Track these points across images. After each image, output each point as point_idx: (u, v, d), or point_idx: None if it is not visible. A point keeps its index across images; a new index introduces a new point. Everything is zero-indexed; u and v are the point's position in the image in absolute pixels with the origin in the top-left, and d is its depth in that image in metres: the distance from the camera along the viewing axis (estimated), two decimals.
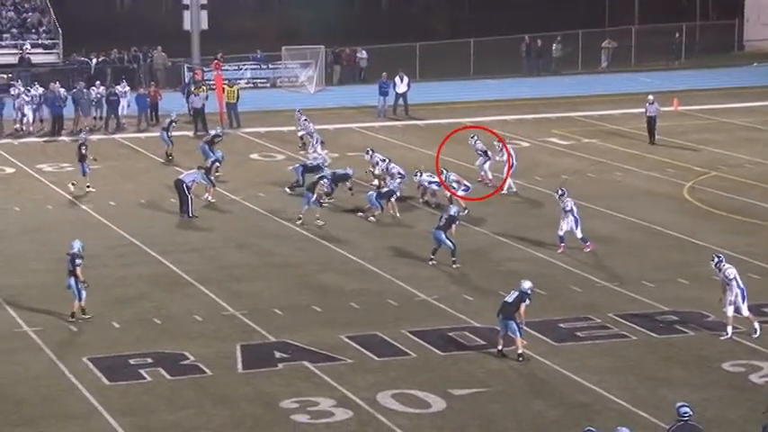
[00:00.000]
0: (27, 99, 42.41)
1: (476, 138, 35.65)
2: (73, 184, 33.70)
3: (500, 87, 52.83)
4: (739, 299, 22.63)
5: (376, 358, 21.82)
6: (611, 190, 34.50)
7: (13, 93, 42.88)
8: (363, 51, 56.13)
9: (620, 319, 23.80)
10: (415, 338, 22.71)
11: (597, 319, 23.85)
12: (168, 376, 20.96)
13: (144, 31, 57.81)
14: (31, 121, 42.40)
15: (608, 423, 18.48)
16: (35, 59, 51.59)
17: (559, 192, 28.69)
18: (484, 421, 19.34)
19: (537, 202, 33.07)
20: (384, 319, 23.76)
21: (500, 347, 21.86)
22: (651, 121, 41.20)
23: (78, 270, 23.23)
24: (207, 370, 21.22)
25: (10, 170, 36.83)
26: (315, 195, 30.39)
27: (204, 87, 44.80)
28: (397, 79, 46.68)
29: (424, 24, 65.49)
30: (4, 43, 52.31)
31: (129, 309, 24.37)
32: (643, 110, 41.89)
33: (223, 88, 44.96)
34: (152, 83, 47.25)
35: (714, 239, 29.08)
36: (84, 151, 33.63)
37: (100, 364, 21.36)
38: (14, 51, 51.82)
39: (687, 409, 16.69)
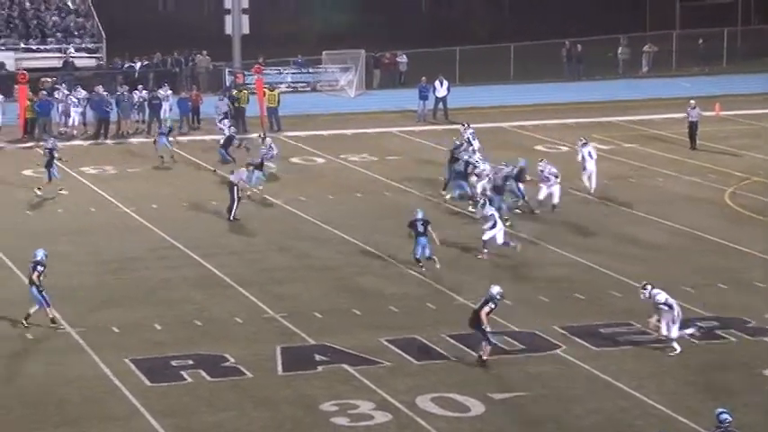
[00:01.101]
0: (74, 102, 42.70)
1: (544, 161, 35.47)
2: (39, 189, 33.43)
3: (540, 92, 52.64)
4: (671, 319, 22.13)
5: (415, 362, 21.83)
6: (651, 195, 34.34)
7: (57, 96, 43.18)
8: (403, 55, 56.12)
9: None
10: (454, 342, 22.70)
11: (637, 325, 23.74)
12: (209, 378, 21.05)
13: (186, 36, 58.02)
14: (75, 123, 42.70)
15: (648, 428, 18.41)
16: (79, 63, 51.96)
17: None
18: (523, 425, 19.31)
19: (577, 206, 32.92)
20: (423, 323, 23.77)
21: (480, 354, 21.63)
22: (693, 126, 40.96)
23: (35, 275, 23.00)
24: (247, 372, 21.30)
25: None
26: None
27: (246, 92, 44.93)
28: (437, 83, 46.67)
29: (464, 29, 65.36)
30: (48, 47, 52.70)
31: (171, 311, 24.50)
32: (684, 114, 41.68)
33: (264, 92, 45.14)
34: (194, 87, 47.47)
35: (755, 245, 28.90)
36: (54, 155, 33.43)
37: (142, 366, 21.48)
38: (59, 55, 52.18)
39: (727, 416, 16.60)
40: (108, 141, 41.61)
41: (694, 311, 24.43)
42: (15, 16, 53.21)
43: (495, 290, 21.74)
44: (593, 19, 65.66)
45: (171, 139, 38.24)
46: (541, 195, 32.16)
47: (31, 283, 23.14)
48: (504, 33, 61.28)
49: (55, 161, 33.51)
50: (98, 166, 37.61)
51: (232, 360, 21.81)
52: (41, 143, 38.61)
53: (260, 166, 33.65)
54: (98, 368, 21.44)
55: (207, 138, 42.11)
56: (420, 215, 27.42)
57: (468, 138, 35.57)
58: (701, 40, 59.66)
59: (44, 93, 43.35)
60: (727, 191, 34.97)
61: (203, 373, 21.20)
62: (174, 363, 21.65)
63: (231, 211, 31.22)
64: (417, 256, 27.07)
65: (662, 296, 22.31)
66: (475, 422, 19.40)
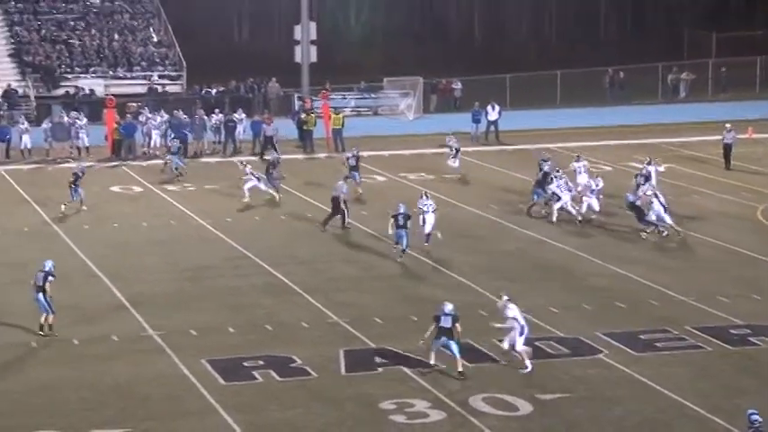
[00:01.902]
0: (154, 124, 43.12)
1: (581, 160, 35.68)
2: (65, 205, 33.49)
3: (584, 116, 52.36)
4: (516, 333, 21.53)
5: (468, 364, 21.72)
6: (687, 211, 33.98)
7: (141, 119, 43.58)
8: (458, 82, 56.08)
9: (697, 332, 23.43)
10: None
11: (674, 331, 23.51)
12: (278, 378, 21.08)
13: (259, 64, 58.37)
14: (157, 144, 43.06)
15: (685, 429, 18.19)
16: (161, 90, 52.43)
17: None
18: (568, 425, 19.16)
19: (616, 220, 32.64)
20: (476, 329, 23.64)
21: (434, 363, 21.20)
22: (727, 148, 40.52)
23: (48, 285, 22.99)
24: (313, 372, 21.31)
25: (138, 189, 37.39)
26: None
27: (313, 116, 45.10)
28: (489, 108, 46.57)
29: (514, 57, 65.22)
30: (134, 75, 53.26)
31: (243, 315, 24.57)
32: (720, 137, 41.24)
33: (330, 116, 45.27)
34: (266, 110, 47.67)
35: None
36: (76, 179, 33.49)
37: (217, 366, 21.55)
38: (144, 82, 52.74)
39: (757, 417, 16.39)
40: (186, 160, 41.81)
41: (729, 320, 24.17)
42: (105, 47, 53.82)
43: (450, 307, 21.19)
44: (633, 48, 65.32)
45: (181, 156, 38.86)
46: (583, 208, 32.12)
47: (41, 290, 22.96)
48: (551, 61, 61.06)
49: (79, 182, 33.44)
50: (178, 184, 37.85)
51: (299, 361, 21.83)
52: (127, 163, 39.08)
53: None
54: (177, 368, 21.55)
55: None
56: (402, 210, 28.42)
57: (576, 169, 35.22)
58: (723, 69, 59.17)
59: (129, 116, 43.79)
60: (759, 208, 34.53)
61: (273, 373, 21.24)
62: (246, 363, 21.69)
63: (326, 223, 31.40)
64: (397, 242, 28.30)
65: (512, 311, 21.62)
66: (523, 421, 19.27)
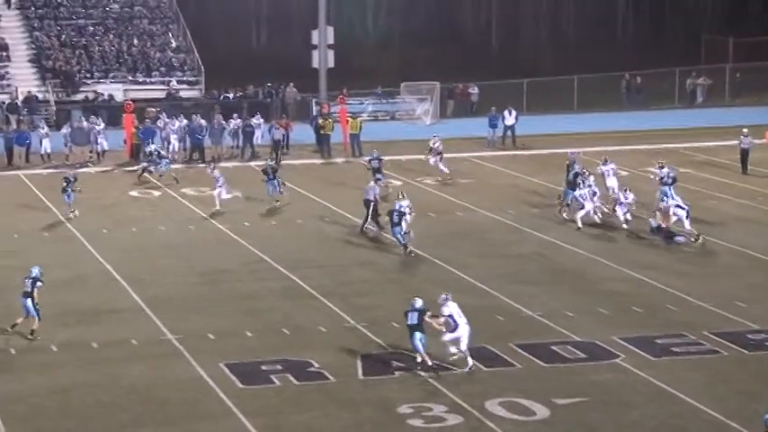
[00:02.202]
0: (173, 129, 43.23)
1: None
2: (73, 213, 33.44)
3: (601, 120, 52.27)
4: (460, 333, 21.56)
5: (484, 368, 21.71)
6: (704, 216, 33.86)
7: (159, 124, 43.69)
8: (475, 87, 56.06)
9: (714, 337, 23.35)
10: (521, 351, 22.56)
11: (692, 336, 23.43)
12: (296, 381, 21.10)
13: (277, 69, 58.47)
14: (176, 149, 43.17)
15: None
16: (180, 94, 52.59)
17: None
18: (585, 429, 19.12)
19: (633, 224, 32.53)
20: (492, 333, 23.63)
21: (420, 360, 21.46)
22: (744, 153, 40.38)
23: (36, 292, 23.14)
24: (330, 376, 21.32)
25: (157, 193, 37.48)
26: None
27: (330, 120, 45.16)
28: (506, 113, 46.53)
29: (531, 62, 65.15)
30: (153, 80, 53.41)
31: (261, 319, 24.60)
32: (736, 142, 41.11)
33: (347, 120, 45.30)
34: (284, 115, 47.78)
35: None
36: (67, 184, 33.38)
37: (234, 369, 21.58)
38: (162, 87, 52.90)
39: None
40: (201, 165, 41.88)
41: (746, 325, 24.08)
42: (124, 52, 53.98)
43: (420, 303, 21.59)
44: (649, 53, 65.16)
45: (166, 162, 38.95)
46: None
47: (29, 296, 23.08)
48: (568, 66, 60.98)
49: (69, 189, 33.29)
50: (196, 188, 37.94)
51: (317, 365, 21.84)
52: (145, 167, 39.17)
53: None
54: (195, 372, 21.58)
55: (296, 162, 42.38)
56: (397, 207, 29.45)
57: (603, 172, 35.31)
58: (737, 74, 59.01)
59: (148, 121, 43.94)
60: None
61: (290, 377, 21.25)
62: (263, 367, 21.72)
63: (363, 225, 31.56)
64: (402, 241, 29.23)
65: (448, 309, 21.66)
66: (540, 425, 19.24)
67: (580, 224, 32.18)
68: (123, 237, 31.78)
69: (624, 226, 31.65)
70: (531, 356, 22.25)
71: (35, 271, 23.52)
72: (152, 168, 38.78)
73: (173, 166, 39.95)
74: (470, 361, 21.48)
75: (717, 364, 22.01)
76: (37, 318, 23.17)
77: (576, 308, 25.31)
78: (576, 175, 33.63)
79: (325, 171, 40.72)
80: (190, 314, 24.91)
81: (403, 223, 29.71)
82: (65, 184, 33.62)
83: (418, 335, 21.43)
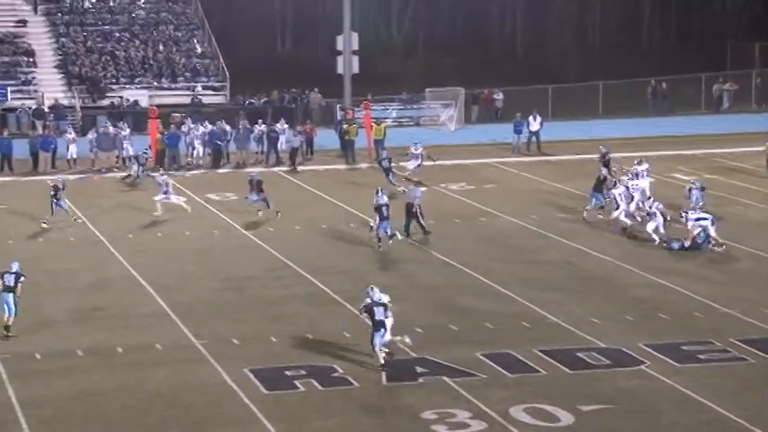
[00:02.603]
0: (197, 135, 43.37)
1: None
2: (45, 223, 33.14)
3: (627, 126, 52.12)
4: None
5: (509, 375, 21.66)
6: (731, 222, 33.70)
7: (184, 130, 43.84)
8: (499, 93, 56.03)
9: (740, 344, 23.21)
10: (546, 357, 22.49)
11: (718, 343, 23.29)
12: (320, 387, 21.10)
13: (301, 75, 58.62)
14: (200, 154, 43.29)
15: None
16: (205, 100, 52.78)
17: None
18: None
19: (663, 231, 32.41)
20: (516, 339, 23.58)
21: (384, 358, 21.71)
22: None
23: (19, 287, 23.49)
24: (354, 382, 21.30)
25: (182, 198, 37.51)
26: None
27: (355, 126, 45.21)
28: (531, 118, 46.46)
29: (557, 68, 65.05)
30: (178, 86, 53.61)
31: (286, 325, 24.61)
32: (762, 148, 40.87)
33: (371, 126, 45.34)
34: (308, 121, 47.86)
35: None
36: (56, 192, 32.82)
37: (259, 375, 21.60)
38: (187, 93, 53.08)
39: None
40: (222, 170, 41.97)
41: None
42: (150, 58, 54.20)
43: (386, 298, 21.96)
44: (675, 59, 64.93)
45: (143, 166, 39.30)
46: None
47: (11, 291, 23.42)
48: (593, 72, 60.84)
49: (59, 196, 32.95)
50: (220, 194, 38.04)
51: (341, 371, 21.83)
52: (170, 173, 39.32)
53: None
54: (219, 376, 21.61)
55: (320, 168, 42.44)
56: (384, 199, 30.40)
57: (638, 172, 35.41)
58: (758, 79, 58.74)
59: (173, 127, 44.08)
60: None
61: (314, 383, 21.25)
62: (288, 373, 21.72)
63: (407, 229, 31.68)
64: (382, 235, 29.87)
65: (376, 296, 21.92)
66: None
67: (621, 224, 32.04)
68: (148, 241, 31.88)
69: (654, 236, 31.25)
70: (555, 363, 22.18)
71: (15, 266, 23.81)
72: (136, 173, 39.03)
73: (196, 172, 40.07)
74: (382, 359, 21.66)
75: (743, 371, 21.87)
76: (12, 312, 23.48)
77: (602, 314, 25.21)
78: (605, 179, 33.79)
79: (350, 176, 40.74)
80: (214, 319, 24.95)
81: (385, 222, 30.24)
82: (53, 192, 32.94)
83: (383, 331, 21.63)
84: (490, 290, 27.23)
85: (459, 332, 24.16)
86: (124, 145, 42.74)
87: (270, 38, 73.48)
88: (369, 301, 21.98)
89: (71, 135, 42.84)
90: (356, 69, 51.69)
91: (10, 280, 23.57)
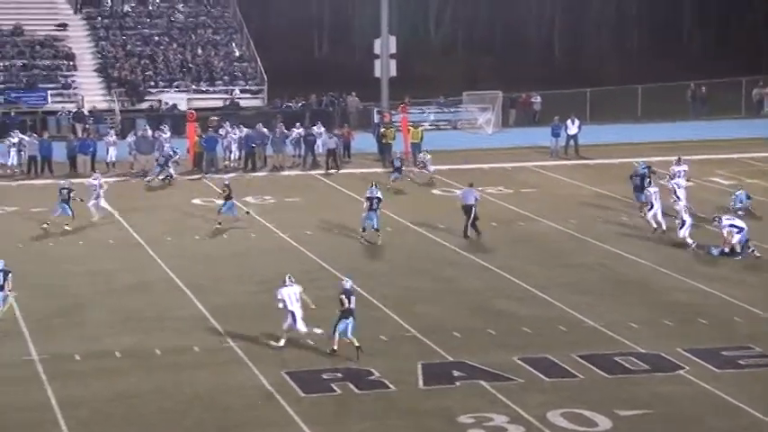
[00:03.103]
0: (234, 138, 43.55)
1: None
2: (47, 224, 33.09)
3: (666, 130, 51.82)
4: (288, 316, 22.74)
5: (546, 379, 21.59)
6: None
7: (222, 133, 44.05)
8: (537, 96, 55.89)
9: None
10: (583, 362, 22.39)
11: (758, 349, 23.11)
12: (356, 390, 21.12)
13: (339, 78, 58.74)
14: (237, 157, 43.47)
15: None
16: (243, 103, 53.01)
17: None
18: None
19: (698, 235, 32.18)
20: (554, 343, 23.50)
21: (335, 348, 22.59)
22: None
23: (8, 283, 24.16)
24: (391, 385, 21.31)
25: (220, 202, 37.62)
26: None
27: (392, 129, 45.23)
28: (569, 122, 46.32)
29: (595, 72, 64.79)
30: (216, 89, 53.87)
31: (322, 328, 24.55)
32: None
33: (409, 129, 45.34)
34: (345, 124, 47.91)
35: None
36: (70, 194, 33.13)
37: (296, 377, 21.64)
38: (225, 96, 53.34)
39: None
40: (260, 174, 42.06)
41: None
42: (189, 61, 54.49)
43: (348, 283, 23.09)
44: (715, 63, 64.49)
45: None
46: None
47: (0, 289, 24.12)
48: (632, 75, 60.55)
49: (70, 200, 33.03)
50: (258, 196, 38.16)
51: (377, 374, 21.84)
52: (209, 176, 39.51)
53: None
54: (257, 379, 21.67)
55: (356, 171, 42.49)
56: (377, 193, 31.36)
57: (676, 173, 35.72)
58: None
59: (211, 130, 44.30)
60: None
61: (351, 386, 21.27)
62: (324, 376, 21.75)
63: (467, 229, 31.90)
64: (364, 226, 30.57)
65: (281, 294, 22.83)
66: None
67: (654, 225, 32.04)
68: (186, 244, 32.04)
69: (689, 241, 31.04)
70: (593, 367, 22.08)
71: (0, 263, 24.35)
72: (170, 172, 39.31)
73: (233, 175, 40.26)
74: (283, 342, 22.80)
75: None
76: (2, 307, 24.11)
77: (640, 319, 25.08)
78: (644, 178, 34.00)
79: (387, 180, 40.69)
80: (251, 322, 25.02)
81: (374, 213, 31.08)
82: (66, 195, 33.02)
83: (352, 320, 22.53)
84: (528, 294, 27.16)
85: (497, 336, 24.12)
86: (165, 148, 42.93)
87: (307, 41, 73.71)
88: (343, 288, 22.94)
89: (112, 138, 43.16)
90: (393, 72, 51.72)
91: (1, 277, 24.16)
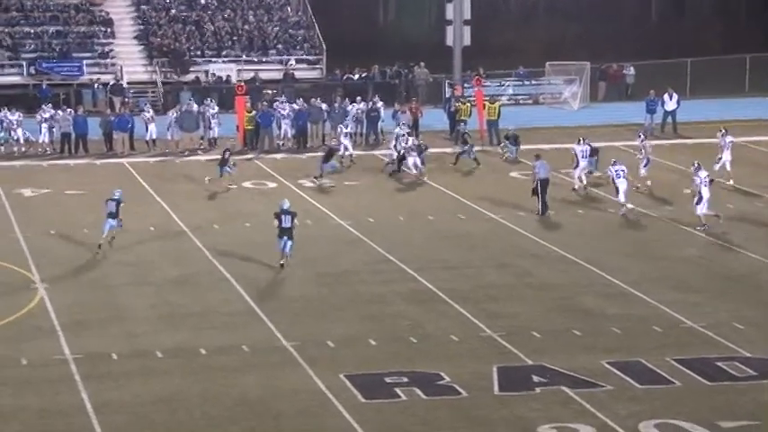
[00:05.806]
0: (283, 114, 43.54)
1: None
2: (209, 180, 36.96)
3: None
4: None
5: (638, 386, 21.47)
6: None
7: (276, 107, 44.09)
8: (630, 67, 55.48)
9: None
10: (681, 367, 22.24)
11: None
12: (423, 396, 21.14)
13: (406, 48, 58.73)
14: (288, 135, 43.49)
15: None
16: (299, 75, 53.16)
17: None
18: None
19: None
20: (647, 346, 23.36)
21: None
22: None
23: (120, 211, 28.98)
24: (462, 391, 21.32)
25: (272, 185, 37.92)
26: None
27: (468, 105, 45.05)
28: (666, 96, 45.96)
29: (696, 39, 64.16)
30: (269, 59, 54.07)
31: (386, 326, 24.71)
32: None
33: (484, 105, 45.21)
34: (413, 99, 47.88)
35: None
36: (226, 156, 36.86)
37: (356, 381, 21.71)
38: (279, 67, 53.55)
39: None
40: (318, 153, 42.20)
41: None
42: (239, 27, 54.75)
43: (287, 204, 28.09)
44: None
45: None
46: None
47: (113, 217, 29.19)
48: (738, 44, 59.85)
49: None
50: (313, 179, 38.10)
51: (447, 378, 21.86)
52: (261, 156, 39.63)
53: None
54: (312, 383, 21.78)
55: (426, 151, 42.40)
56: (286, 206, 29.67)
57: (725, 145, 36.83)
58: None
59: (265, 104, 44.44)
60: None
61: (418, 391, 21.31)
62: (388, 380, 21.81)
63: (546, 206, 33.13)
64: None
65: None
66: None
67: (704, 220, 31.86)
68: (235, 232, 32.25)
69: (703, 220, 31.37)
70: (692, 373, 21.94)
71: (117, 193, 29.07)
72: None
73: (285, 155, 40.43)
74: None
75: None
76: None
77: (747, 319, 24.85)
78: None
79: (460, 162, 40.64)
80: (307, 319, 25.16)
81: None
82: (226, 155, 36.84)
83: (287, 239, 27.69)
84: (617, 290, 27.01)
85: (582, 337, 24.03)
86: (212, 124, 43.15)
87: (372, 6, 73.76)
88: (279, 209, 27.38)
89: (149, 114, 43.32)
90: (467, 41, 51.60)
91: (112, 206, 29.41)
